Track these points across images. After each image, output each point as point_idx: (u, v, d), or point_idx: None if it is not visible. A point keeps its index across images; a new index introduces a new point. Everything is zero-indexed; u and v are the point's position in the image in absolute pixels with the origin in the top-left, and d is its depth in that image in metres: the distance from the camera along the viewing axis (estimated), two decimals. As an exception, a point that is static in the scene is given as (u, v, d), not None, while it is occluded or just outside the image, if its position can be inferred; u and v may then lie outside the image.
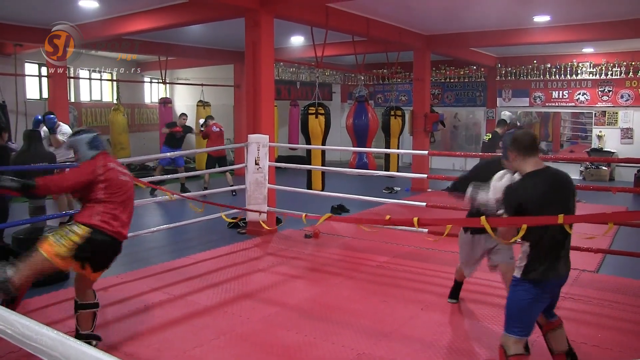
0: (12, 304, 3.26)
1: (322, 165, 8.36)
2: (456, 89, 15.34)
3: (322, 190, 8.27)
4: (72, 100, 13.08)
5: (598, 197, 8.61)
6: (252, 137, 6.81)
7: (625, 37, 9.57)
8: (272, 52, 7.11)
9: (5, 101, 10.12)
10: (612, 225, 3.05)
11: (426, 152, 8.74)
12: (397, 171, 10.28)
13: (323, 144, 8.54)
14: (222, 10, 7.29)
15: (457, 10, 8.58)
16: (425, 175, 8.60)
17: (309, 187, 8.27)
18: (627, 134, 12.83)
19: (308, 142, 8.52)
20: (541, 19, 8.94)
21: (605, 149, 12.91)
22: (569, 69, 13.19)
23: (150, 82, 15.81)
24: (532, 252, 2.78)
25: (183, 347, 3.60)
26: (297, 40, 10.89)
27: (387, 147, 10.84)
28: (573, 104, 13.52)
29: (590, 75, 12.98)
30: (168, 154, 8.97)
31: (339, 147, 13.70)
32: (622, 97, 12.76)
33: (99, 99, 14.69)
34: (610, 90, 12.87)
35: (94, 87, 14.51)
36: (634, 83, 12.53)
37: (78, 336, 3.31)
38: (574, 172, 12.29)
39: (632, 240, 6.36)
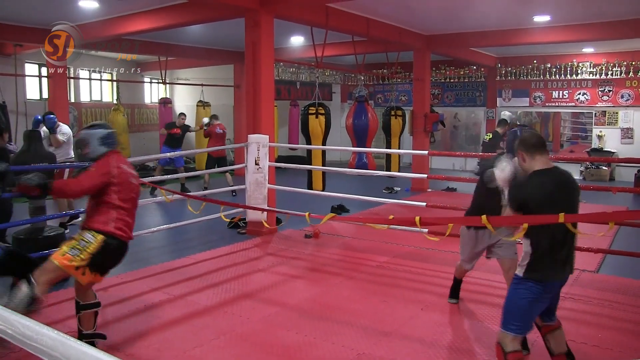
0: None
1: (322, 165, 8.36)
2: (456, 89, 15.34)
3: (323, 190, 8.27)
4: (72, 100, 13.08)
5: (598, 197, 8.60)
6: (252, 137, 6.81)
7: (625, 37, 9.57)
8: (272, 52, 7.11)
9: (6, 101, 10.12)
10: (612, 225, 3.05)
11: (426, 152, 8.74)
12: (399, 171, 10.29)
13: (323, 144, 8.53)
14: (222, 10, 7.30)
15: (457, 10, 8.58)
16: (425, 176, 8.60)
17: (310, 187, 8.27)
18: (627, 133, 12.82)
19: (308, 142, 8.52)
20: (541, 19, 8.94)
21: (606, 149, 12.91)
22: (569, 69, 13.19)
23: (150, 82, 15.81)
24: (534, 251, 2.79)
25: (183, 347, 3.60)
26: (297, 40, 10.89)
27: (388, 147, 10.84)
28: (573, 104, 13.52)
29: (591, 75, 12.98)
30: (168, 154, 8.96)
31: (339, 147, 13.70)
32: (622, 97, 12.76)
33: (99, 99, 14.69)
34: (610, 90, 12.88)
35: (94, 87, 14.51)
36: (634, 83, 12.53)
37: (82, 336, 3.32)
38: (574, 172, 12.06)
39: (632, 240, 6.36)
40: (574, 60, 13.13)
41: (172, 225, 6.74)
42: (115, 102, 13.67)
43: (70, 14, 8.03)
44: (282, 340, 3.74)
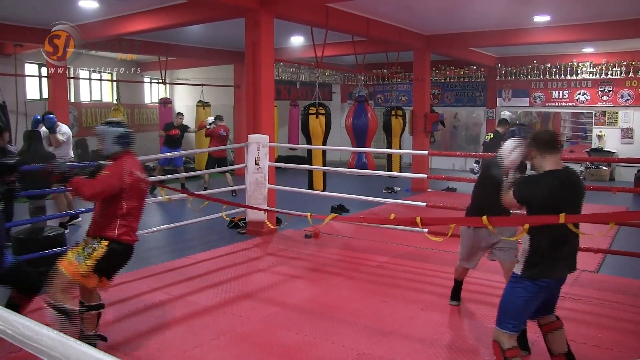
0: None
1: (323, 166, 8.36)
2: (456, 89, 15.34)
3: (324, 190, 8.27)
4: (72, 100, 13.09)
5: (598, 197, 8.60)
6: (252, 137, 6.81)
7: (625, 37, 9.57)
8: (272, 52, 7.11)
9: (6, 101, 10.13)
10: (613, 225, 3.05)
11: (426, 152, 8.74)
12: (400, 171, 10.29)
13: (324, 144, 8.53)
14: (222, 10, 7.30)
15: (457, 11, 8.58)
16: (425, 176, 8.60)
17: (311, 187, 8.26)
18: (627, 133, 12.83)
19: (309, 142, 8.52)
20: (541, 19, 8.94)
21: (606, 149, 12.91)
22: (569, 69, 13.19)
23: (150, 82, 15.81)
24: (533, 249, 2.79)
25: (183, 347, 3.60)
26: (297, 40, 10.89)
27: (389, 147, 10.84)
28: (573, 104, 13.52)
29: (591, 75, 12.99)
30: (168, 154, 8.96)
31: (338, 147, 13.70)
32: (622, 97, 12.76)
33: (99, 99, 14.69)
34: (610, 90, 12.88)
35: (94, 87, 14.52)
36: (634, 83, 12.53)
37: (83, 336, 3.33)
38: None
39: (632, 240, 6.36)
40: (574, 60, 13.13)
41: (172, 225, 6.75)
42: (115, 102, 13.67)
43: (70, 14, 8.03)
44: (282, 340, 3.74)
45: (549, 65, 13.45)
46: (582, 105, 13.39)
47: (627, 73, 12.49)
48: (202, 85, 13.94)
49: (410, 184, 11.22)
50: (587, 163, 12.85)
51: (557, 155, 2.86)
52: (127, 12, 8.41)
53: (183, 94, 15.99)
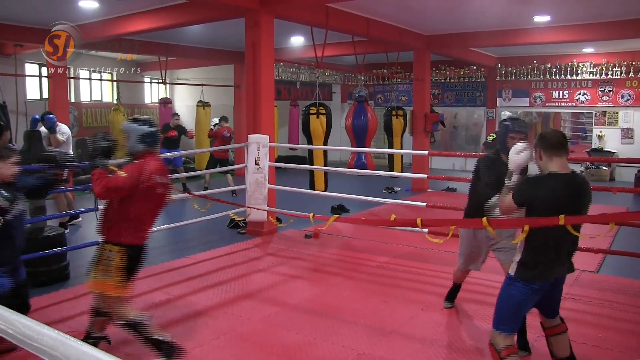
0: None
1: (324, 166, 8.36)
2: (456, 89, 15.34)
3: (325, 190, 8.27)
4: (72, 100, 13.09)
5: (598, 197, 8.53)
6: (252, 137, 6.81)
7: (625, 37, 9.57)
8: (272, 52, 7.11)
9: (6, 101, 10.12)
10: (613, 226, 3.04)
11: (426, 152, 8.74)
12: (401, 171, 10.29)
13: (325, 144, 8.53)
14: (222, 10, 7.30)
15: (457, 11, 8.58)
16: (426, 176, 8.60)
17: (312, 187, 8.26)
18: (627, 134, 12.83)
19: (310, 142, 8.51)
20: (541, 19, 8.94)
21: (606, 149, 12.92)
22: (569, 69, 13.20)
23: (150, 82, 15.81)
24: (528, 251, 2.75)
25: (183, 347, 3.59)
26: (297, 41, 10.89)
27: (390, 147, 10.84)
28: (573, 104, 13.52)
29: (591, 75, 12.99)
30: (168, 154, 8.95)
31: (338, 147, 13.70)
32: (622, 97, 12.76)
33: (99, 99, 14.69)
34: (610, 90, 12.88)
35: (94, 87, 14.52)
36: (634, 83, 12.53)
37: (88, 337, 3.36)
38: (574, 172, 12.27)
39: (632, 240, 6.36)
40: (574, 61, 13.13)
41: (172, 225, 6.73)
42: (115, 102, 13.64)
43: (70, 14, 8.03)
44: (282, 340, 3.74)
45: (549, 65, 13.46)
46: (582, 105, 13.39)
47: (627, 73, 12.49)
48: (202, 85, 13.94)
49: (410, 184, 11.23)
50: (587, 163, 12.86)
51: (564, 158, 2.74)
52: (127, 12, 8.41)
53: (183, 94, 15.98)
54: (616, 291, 4.80)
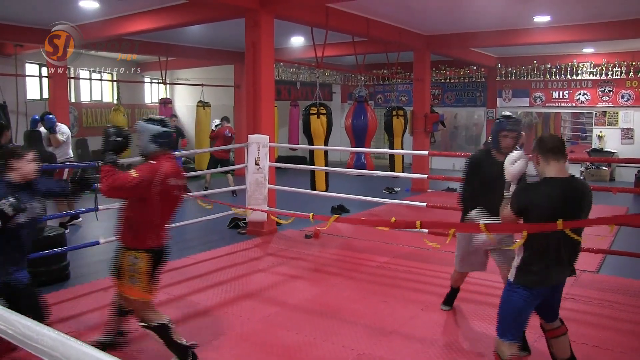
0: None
1: (325, 166, 8.35)
2: (456, 89, 15.34)
3: (326, 190, 8.27)
4: (73, 100, 13.10)
5: (598, 198, 8.51)
6: (252, 138, 6.81)
7: (625, 37, 9.57)
8: (272, 53, 7.11)
9: (6, 101, 10.12)
10: (612, 227, 3.03)
11: (426, 152, 8.74)
12: (403, 171, 10.28)
13: (325, 144, 8.53)
14: (222, 10, 7.30)
15: (457, 11, 8.58)
16: (426, 176, 8.60)
17: (313, 187, 8.26)
18: (627, 134, 12.83)
19: (310, 142, 8.51)
20: (541, 19, 8.94)
21: (606, 149, 12.91)
22: (569, 69, 13.20)
23: (151, 82, 15.81)
24: (527, 257, 2.73)
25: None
26: (297, 41, 10.89)
27: (391, 147, 10.84)
28: (573, 104, 13.52)
29: (591, 75, 12.99)
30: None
31: (338, 147, 13.70)
32: (622, 97, 12.76)
33: (99, 99, 14.70)
34: (610, 91, 12.88)
35: (94, 87, 14.53)
36: (635, 83, 12.53)
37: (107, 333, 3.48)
38: (574, 173, 12.26)
39: (632, 240, 6.35)
40: (574, 61, 13.13)
41: (172, 225, 6.72)
42: (115, 102, 13.67)
43: (70, 14, 8.03)
44: (282, 340, 3.74)
45: (549, 65, 13.46)
46: (583, 105, 13.39)
47: (627, 73, 12.49)
48: (202, 85, 13.94)
49: (410, 184, 11.22)
50: (587, 163, 12.86)
51: (561, 162, 2.70)
52: (127, 12, 8.41)
53: (183, 94, 15.99)
54: (616, 291, 4.80)
